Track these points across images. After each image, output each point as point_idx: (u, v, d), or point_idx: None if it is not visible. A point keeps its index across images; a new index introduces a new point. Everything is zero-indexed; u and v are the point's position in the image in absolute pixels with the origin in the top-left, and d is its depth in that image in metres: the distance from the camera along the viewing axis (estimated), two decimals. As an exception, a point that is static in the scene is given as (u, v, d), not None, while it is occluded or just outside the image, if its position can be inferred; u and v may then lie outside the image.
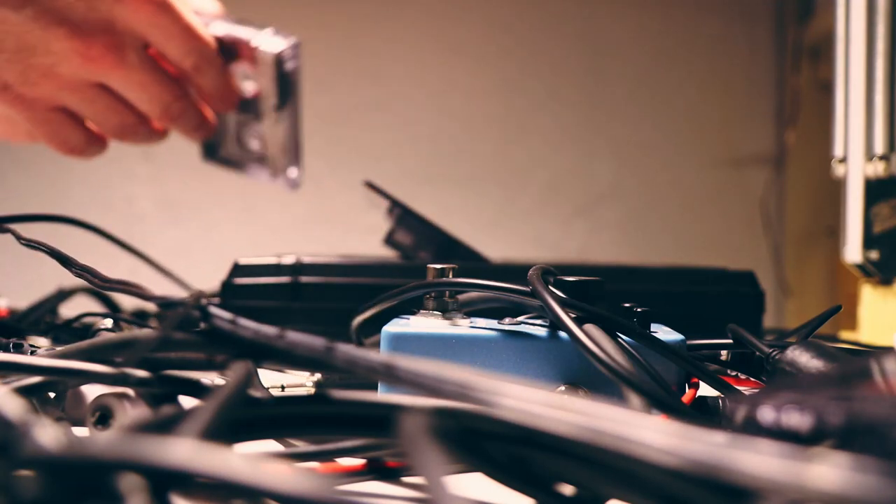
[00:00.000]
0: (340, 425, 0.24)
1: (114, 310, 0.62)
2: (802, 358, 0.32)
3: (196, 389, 0.27)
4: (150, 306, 0.49)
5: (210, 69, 0.54)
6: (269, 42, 0.55)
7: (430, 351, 0.33)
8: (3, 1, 0.46)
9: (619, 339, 0.31)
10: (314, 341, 0.24)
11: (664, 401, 0.27)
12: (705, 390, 0.34)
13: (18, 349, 0.35)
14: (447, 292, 0.36)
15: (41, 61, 0.48)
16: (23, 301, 0.62)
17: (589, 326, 0.31)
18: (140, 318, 0.61)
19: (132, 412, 0.26)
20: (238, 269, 0.53)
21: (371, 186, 0.58)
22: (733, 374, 0.37)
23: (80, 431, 0.29)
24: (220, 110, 0.58)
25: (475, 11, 1.32)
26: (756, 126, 1.34)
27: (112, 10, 0.48)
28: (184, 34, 0.51)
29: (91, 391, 0.31)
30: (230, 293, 0.52)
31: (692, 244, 1.31)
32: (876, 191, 0.64)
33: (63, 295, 0.59)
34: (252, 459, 0.15)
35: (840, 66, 0.66)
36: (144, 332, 0.27)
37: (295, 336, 0.24)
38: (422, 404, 0.22)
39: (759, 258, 1.24)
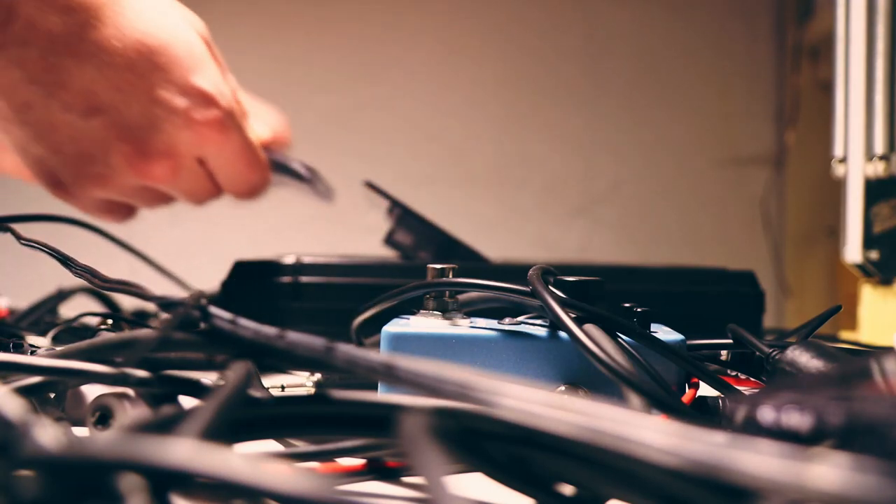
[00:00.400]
0: (340, 425, 0.24)
1: (114, 310, 0.62)
2: (802, 358, 0.32)
3: (196, 389, 0.27)
4: (150, 306, 0.49)
5: (257, 194, 0.55)
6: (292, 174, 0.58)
7: (430, 351, 0.33)
8: (73, 107, 0.44)
9: (619, 339, 0.31)
10: (314, 341, 0.24)
11: (664, 401, 0.27)
12: (705, 390, 0.34)
13: (18, 349, 0.35)
14: (447, 292, 0.36)
15: (97, 170, 0.47)
16: (23, 301, 0.62)
17: (589, 326, 0.31)
18: (140, 318, 0.61)
19: (132, 412, 0.26)
20: (238, 269, 0.53)
21: (371, 186, 0.58)
22: (733, 374, 0.37)
23: (80, 431, 0.29)
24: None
25: (475, 11, 1.32)
26: (756, 126, 1.34)
27: (179, 133, 0.47)
28: (243, 166, 0.51)
29: (91, 391, 0.31)
30: (230, 293, 0.52)
31: (692, 244, 1.31)
32: (876, 191, 0.64)
33: (63, 295, 0.59)
34: (252, 459, 0.15)
35: (840, 66, 0.66)
36: (144, 332, 0.27)
37: (295, 336, 0.24)
38: (422, 404, 0.22)
39: (759, 258, 1.24)
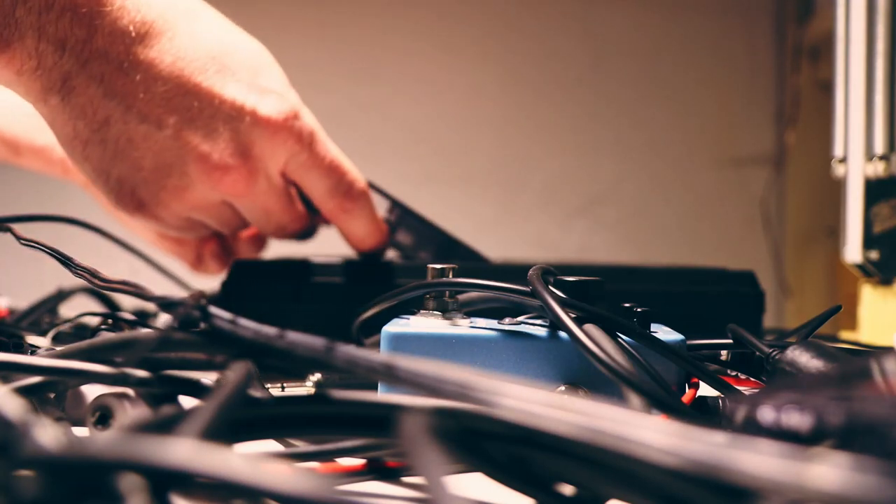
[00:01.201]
0: (340, 425, 0.24)
1: (114, 310, 0.62)
2: (802, 358, 0.32)
3: (196, 389, 0.27)
4: (150, 306, 0.49)
5: (359, 213, 0.52)
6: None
7: (430, 351, 0.33)
8: (148, 117, 0.44)
9: (619, 339, 0.31)
10: (314, 341, 0.24)
11: (664, 401, 0.27)
12: (705, 390, 0.34)
13: (18, 349, 0.35)
14: (447, 292, 0.36)
15: (175, 183, 0.47)
16: (23, 301, 0.62)
17: (589, 326, 0.31)
18: (140, 318, 0.61)
19: (132, 412, 0.26)
20: (238, 270, 0.53)
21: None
22: (733, 374, 0.37)
23: (80, 431, 0.29)
24: (365, 250, 0.55)
25: (475, 13, 1.32)
26: (756, 126, 1.34)
27: (251, 133, 0.46)
28: (325, 170, 0.49)
29: (91, 391, 0.31)
30: (230, 293, 0.52)
31: (692, 244, 1.31)
32: (876, 191, 0.64)
33: (63, 295, 0.59)
34: (252, 459, 0.15)
35: (840, 66, 0.66)
36: (144, 332, 0.27)
37: (295, 336, 0.24)
38: (422, 404, 0.22)
39: (759, 258, 1.25)
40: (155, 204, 0.48)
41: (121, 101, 0.44)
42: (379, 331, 0.34)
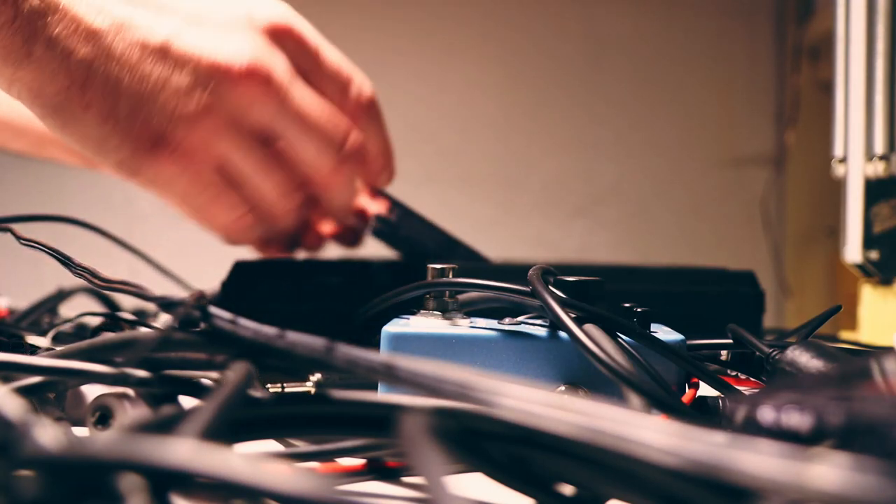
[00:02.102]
0: (340, 425, 0.24)
1: (114, 310, 0.62)
2: (802, 358, 0.32)
3: (196, 389, 0.27)
4: (150, 306, 0.49)
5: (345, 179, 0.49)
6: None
7: (430, 351, 0.33)
8: (146, 47, 0.42)
9: (619, 339, 0.31)
10: (314, 341, 0.24)
11: (664, 401, 0.27)
12: (705, 390, 0.34)
13: (18, 349, 0.35)
14: (447, 292, 0.36)
15: (196, 100, 0.43)
16: (23, 301, 0.62)
17: (589, 326, 0.31)
18: (140, 318, 0.61)
19: (132, 412, 0.26)
20: (238, 270, 0.53)
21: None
22: (733, 374, 0.37)
23: (80, 431, 0.29)
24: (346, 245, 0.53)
25: (475, 11, 1.32)
26: (756, 126, 1.34)
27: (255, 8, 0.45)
28: (309, 122, 0.47)
29: (91, 391, 0.31)
30: (230, 293, 0.52)
31: (692, 244, 1.31)
32: (876, 191, 0.64)
33: (63, 295, 0.59)
34: (252, 459, 0.15)
35: (840, 66, 0.66)
36: (144, 332, 0.27)
37: (295, 336, 0.24)
38: (422, 404, 0.22)
39: (759, 258, 1.24)
40: (172, 130, 0.43)
41: (94, 43, 0.41)
42: (379, 331, 0.34)
